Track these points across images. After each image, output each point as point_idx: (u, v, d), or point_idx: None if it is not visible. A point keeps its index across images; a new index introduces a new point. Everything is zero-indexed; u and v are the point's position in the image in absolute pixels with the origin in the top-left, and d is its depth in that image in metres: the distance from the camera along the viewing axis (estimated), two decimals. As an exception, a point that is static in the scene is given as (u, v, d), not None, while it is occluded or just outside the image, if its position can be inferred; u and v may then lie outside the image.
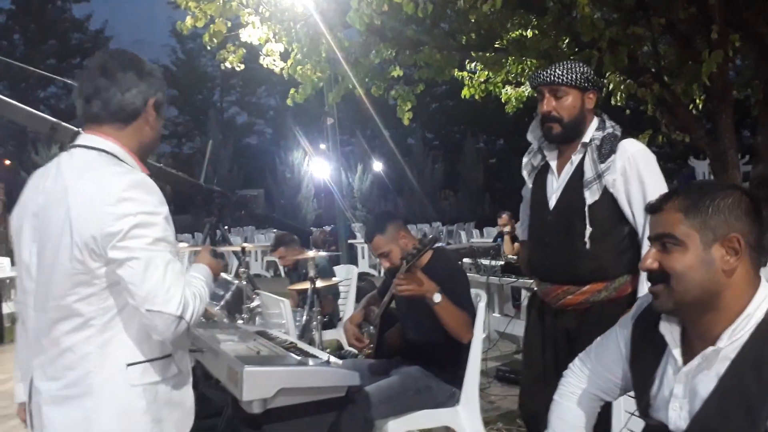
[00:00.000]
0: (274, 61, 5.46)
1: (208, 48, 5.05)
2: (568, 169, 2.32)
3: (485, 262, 5.30)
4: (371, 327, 2.93)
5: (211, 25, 4.80)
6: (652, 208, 1.36)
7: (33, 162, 21.30)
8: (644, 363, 1.41)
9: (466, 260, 5.44)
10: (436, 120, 32.63)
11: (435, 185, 27.63)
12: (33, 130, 6.67)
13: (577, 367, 1.63)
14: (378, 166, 24.37)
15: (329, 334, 4.49)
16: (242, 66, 5.33)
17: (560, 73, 2.28)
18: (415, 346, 2.78)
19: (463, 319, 2.59)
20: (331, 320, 4.59)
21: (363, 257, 12.33)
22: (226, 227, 8.30)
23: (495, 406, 4.29)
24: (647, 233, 1.40)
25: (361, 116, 24.59)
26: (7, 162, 28.02)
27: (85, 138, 1.60)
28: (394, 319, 2.93)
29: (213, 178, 15.48)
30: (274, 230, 14.83)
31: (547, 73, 2.31)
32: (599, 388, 1.56)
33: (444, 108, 33.32)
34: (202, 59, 37.52)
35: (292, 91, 5.50)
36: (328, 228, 12.74)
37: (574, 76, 2.26)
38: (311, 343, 3.88)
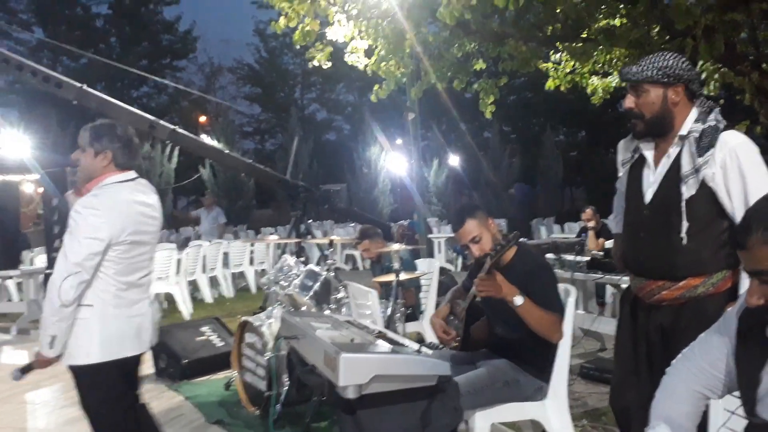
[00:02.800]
0: (359, 58, 5.56)
1: (298, 47, 5.20)
2: (665, 163, 2.26)
3: (570, 257, 5.22)
4: (457, 321, 2.96)
5: (301, 25, 4.95)
6: (736, 245, 1.30)
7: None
8: (750, 360, 1.37)
9: (549, 255, 5.38)
10: (514, 113, 32.04)
11: (512, 179, 27.16)
12: (134, 128, 7.10)
13: (680, 362, 1.61)
14: (454, 160, 24.22)
15: (411, 327, 4.55)
16: (329, 64, 5.46)
17: (637, 70, 2.24)
18: (502, 339, 2.80)
19: (549, 320, 2.59)
20: (413, 312, 4.65)
21: (440, 251, 12.33)
22: (309, 221, 8.57)
23: (580, 402, 4.23)
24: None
25: (438, 111, 24.51)
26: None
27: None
28: (480, 312, 2.95)
29: (296, 174, 15.91)
30: (353, 224, 15.10)
31: (626, 70, 2.28)
32: (703, 385, 1.53)
33: (522, 100, 32.69)
34: (284, 57, 38.48)
35: (375, 87, 5.59)
36: (405, 222, 12.82)
37: (651, 71, 2.21)
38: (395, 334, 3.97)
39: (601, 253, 5.89)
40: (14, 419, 4.44)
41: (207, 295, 9.49)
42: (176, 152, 21.75)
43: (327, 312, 4.13)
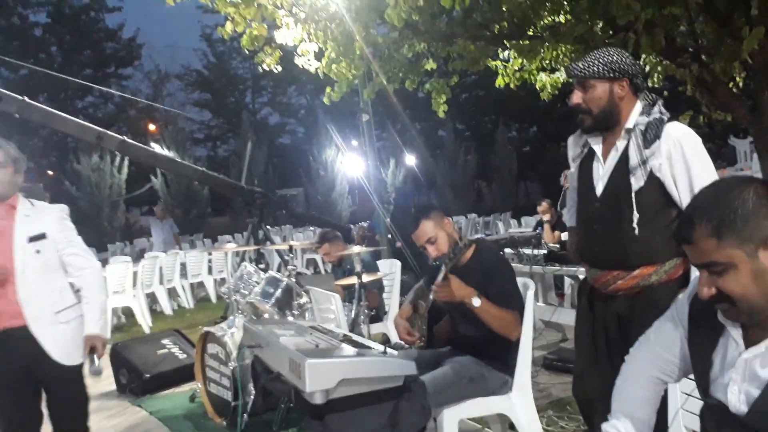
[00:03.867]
0: (309, 60, 5.54)
1: (247, 51, 5.15)
2: (614, 156, 2.33)
3: (527, 251, 5.31)
4: (420, 320, 2.99)
5: (249, 29, 4.90)
6: (681, 240, 1.30)
7: (75, 171, 21.92)
8: (702, 343, 1.42)
9: (507, 250, 5.47)
10: (467, 110, 32.45)
11: (468, 176, 27.50)
12: (80, 139, 6.95)
13: (637, 349, 1.66)
14: (410, 160, 24.36)
15: (376, 328, 4.56)
16: (279, 68, 5.42)
17: (583, 66, 2.30)
18: (466, 337, 2.83)
19: (507, 318, 2.62)
20: (377, 314, 4.66)
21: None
22: (267, 227, 8.48)
23: (544, 394, 4.31)
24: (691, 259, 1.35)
25: (392, 111, 24.61)
26: (50, 172, 28.90)
27: None
28: (443, 311, 2.98)
29: (251, 180, 15.75)
30: (312, 228, 15.04)
31: (572, 66, 2.34)
32: (660, 370, 1.58)
33: (474, 98, 33.14)
34: (232, 62, 38.01)
35: (328, 90, 5.58)
36: (365, 224, 12.83)
37: (597, 67, 2.27)
38: (360, 336, 3.97)
39: (558, 245, 6.01)
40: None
41: (166, 306, 9.30)
42: (126, 162, 21.24)
43: (290, 318, 4.11)
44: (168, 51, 46.99)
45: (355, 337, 2.61)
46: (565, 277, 5.81)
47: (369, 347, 2.38)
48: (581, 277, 2.76)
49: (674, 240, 1.36)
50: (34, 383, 2.67)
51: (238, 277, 4.39)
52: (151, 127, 29.20)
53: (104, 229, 21.03)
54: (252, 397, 3.69)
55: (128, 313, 8.58)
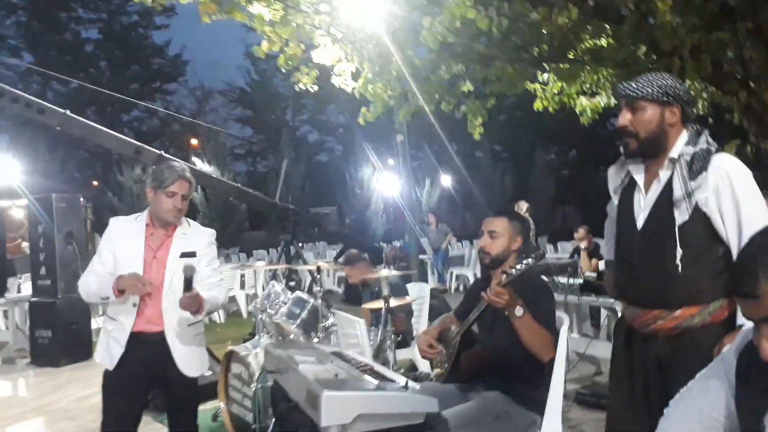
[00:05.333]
0: (346, 80, 5.52)
1: (283, 71, 5.16)
2: (656, 187, 2.20)
3: (563, 280, 5.14)
4: (447, 348, 2.88)
5: (286, 49, 4.90)
6: (745, 295, 1.20)
7: (117, 182, 22.42)
8: (753, 403, 1.29)
9: (543, 278, 5.30)
10: (505, 132, 32.17)
11: (504, 198, 27.22)
12: (119, 153, 7.08)
13: (678, 404, 1.52)
14: (446, 180, 24.23)
15: (403, 354, 4.45)
16: (316, 87, 5.41)
17: (636, 86, 2.19)
18: (495, 368, 2.70)
19: (545, 337, 2.52)
20: (404, 339, 4.55)
21: (433, 273, 12.24)
22: (300, 244, 8.47)
23: (576, 430, 4.13)
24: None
25: (429, 131, 24.56)
26: (95, 183, 29.65)
27: None
28: (472, 342, 2.87)
29: (287, 196, 15.84)
30: (342, 247, 14.99)
31: (624, 85, 2.22)
32: (704, 427, 1.44)
33: (513, 120, 32.87)
34: (274, 80, 38.61)
35: (363, 110, 5.54)
36: (397, 243, 12.72)
37: (652, 89, 2.16)
38: (385, 362, 3.87)
39: (595, 274, 5.82)
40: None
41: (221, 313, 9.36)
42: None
43: (315, 341, 4.03)
44: (212, 68, 48.01)
45: (377, 368, 2.50)
46: (602, 309, 5.61)
47: (391, 380, 2.28)
48: (618, 308, 2.64)
49: (737, 295, 1.24)
50: (149, 387, 2.98)
51: (265, 296, 4.35)
52: (193, 141, 29.76)
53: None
54: (271, 422, 3.61)
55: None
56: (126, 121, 36.46)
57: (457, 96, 5.69)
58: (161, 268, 2.84)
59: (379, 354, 3.90)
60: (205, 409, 4.78)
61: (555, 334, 2.62)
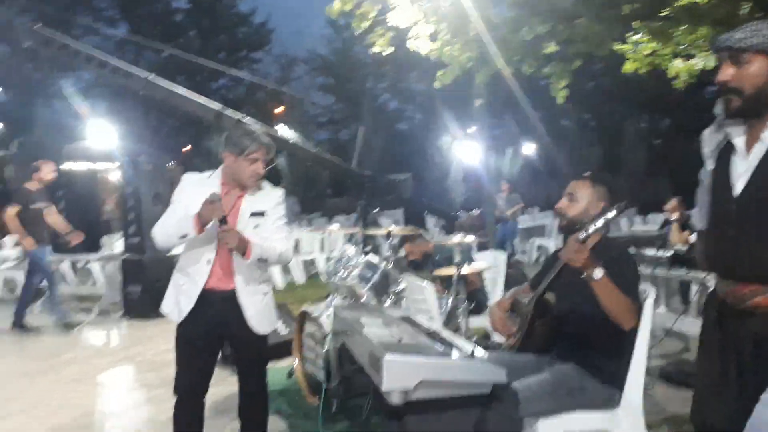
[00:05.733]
0: (422, 43, 5.36)
1: (356, 33, 5.07)
2: (759, 149, 1.97)
3: (650, 252, 4.85)
4: (520, 318, 2.76)
5: (359, 11, 4.81)
6: None
7: (207, 148, 23.21)
8: None
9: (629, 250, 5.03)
10: (593, 99, 30.76)
11: (591, 169, 26.19)
12: (192, 115, 7.27)
13: None
14: (529, 149, 23.52)
15: (476, 321, 4.35)
16: (391, 49, 5.30)
17: (740, 37, 1.93)
18: (571, 340, 2.56)
19: (626, 303, 2.34)
20: (478, 306, 4.44)
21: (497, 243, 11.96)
22: (376, 210, 8.47)
23: (659, 408, 3.93)
24: None
25: (513, 98, 23.88)
26: (186, 148, 30.87)
27: None
28: (545, 312, 2.73)
29: (365, 164, 15.88)
30: (424, 213, 14.92)
31: (726, 36, 1.98)
32: None
33: (602, 86, 31.34)
34: (356, 48, 38.53)
35: (439, 73, 5.39)
36: (476, 211, 12.49)
37: (759, 39, 1.91)
38: (457, 330, 3.79)
39: (686, 247, 5.47)
40: (85, 400, 4.57)
41: (278, 281, 9.62)
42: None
43: (387, 305, 4.00)
44: (295, 37, 48.52)
45: (445, 334, 2.43)
46: (692, 283, 5.28)
47: (458, 347, 2.20)
48: (710, 283, 2.43)
49: None
50: (220, 342, 3.01)
51: (338, 259, 4.35)
52: (278, 109, 30.30)
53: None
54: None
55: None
56: (214, 89, 37.47)
57: (539, 57, 5.42)
58: (233, 227, 2.86)
59: (450, 321, 3.83)
60: (281, 366, 4.92)
61: (638, 305, 2.44)
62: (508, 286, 5.03)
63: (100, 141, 11.57)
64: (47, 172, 6.90)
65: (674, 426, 3.50)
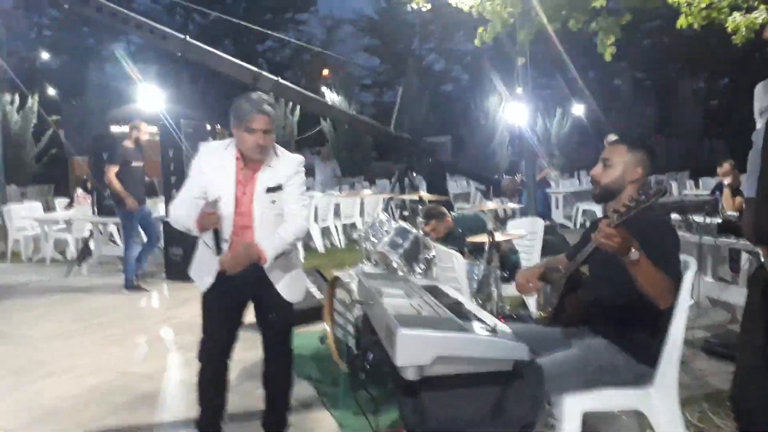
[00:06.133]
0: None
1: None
2: (817, 109, 1.77)
3: (699, 218, 4.60)
4: (552, 290, 2.63)
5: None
6: None
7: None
8: None
9: (675, 216, 4.78)
10: (648, 58, 29.46)
11: (645, 130, 25.20)
12: (238, 79, 7.25)
13: None
14: (579, 110, 22.73)
15: (511, 289, 4.22)
16: (428, 6, 5.10)
17: None
18: (604, 314, 2.42)
19: (664, 282, 2.18)
20: (513, 275, 4.30)
21: (557, 207, 11.65)
22: (414, 174, 8.36)
23: (700, 383, 3.76)
24: None
25: (561, 58, 23.09)
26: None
27: None
28: (579, 286, 2.59)
29: (405, 126, 15.63)
30: (463, 177, 14.64)
31: None
32: None
33: (657, 44, 29.95)
34: (401, 8, 37.77)
35: (480, 30, 5.16)
36: (519, 176, 12.20)
37: None
38: (489, 298, 3.69)
39: (738, 213, 5.18)
40: (122, 362, 4.68)
41: (319, 244, 9.66)
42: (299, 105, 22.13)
43: (417, 271, 3.92)
44: (342, -2, 47.90)
45: (469, 306, 2.33)
46: (743, 252, 5.01)
47: (481, 320, 2.10)
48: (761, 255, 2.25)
49: None
50: (244, 305, 2.98)
51: (370, 225, 4.27)
52: (324, 72, 30.13)
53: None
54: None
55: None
56: (260, 51, 37.55)
57: (587, 12, 5.12)
58: (250, 203, 2.82)
59: (482, 289, 3.73)
60: (314, 330, 4.92)
61: (677, 278, 2.28)
62: (546, 253, 4.88)
63: (148, 104, 11.73)
64: (144, 131, 6.87)
65: (714, 403, 3.33)
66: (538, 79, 28.06)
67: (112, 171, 6.76)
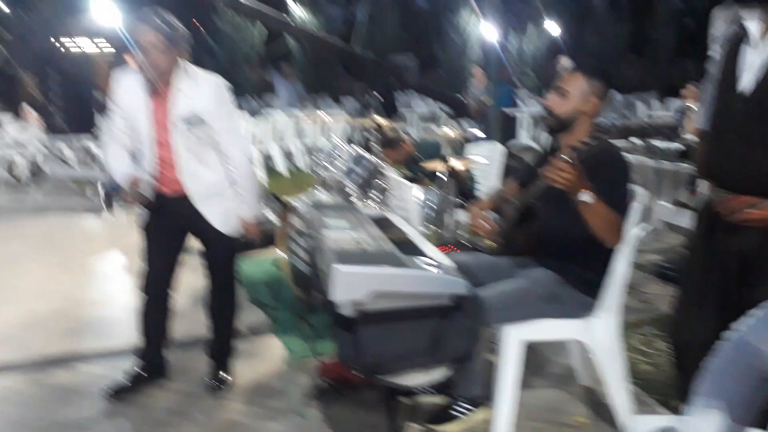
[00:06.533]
0: None
1: None
2: (774, 41, 1.69)
3: (659, 144, 4.57)
4: (503, 221, 2.59)
5: None
6: None
7: (216, 26, 22.21)
8: None
9: (636, 140, 4.74)
10: (625, -27, 28.72)
11: (618, 49, 24.86)
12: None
13: (750, 327, 1.18)
14: (551, 26, 22.20)
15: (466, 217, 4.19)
16: None
17: None
18: (553, 247, 2.39)
19: (614, 222, 2.17)
20: (469, 201, 4.26)
21: (523, 128, 11.49)
22: (376, 94, 8.13)
23: (648, 306, 3.84)
24: None
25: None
26: (195, 21, 29.78)
27: None
28: (528, 218, 2.54)
29: (374, 44, 15.10)
30: (431, 99, 14.31)
31: None
32: None
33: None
34: None
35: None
36: (485, 96, 11.96)
37: None
38: (444, 226, 3.65)
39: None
40: (66, 287, 4.57)
41: (281, 166, 9.47)
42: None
43: (375, 199, 3.85)
44: None
45: (415, 239, 2.27)
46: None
47: (423, 254, 2.04)
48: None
49: None
50: (184, 234, 2.86)
51: (326, 151, 4.14)
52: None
53: (239, 84, 21.53)
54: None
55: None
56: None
57: None
58: (165, 133, 2.61)
59: (438, 216, 3.68)
60: (269, 256, 4.87)
61: (625, 210, 2.25)
62: (507, 177, 4.83)
63: (104, 18, 11.07)
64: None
65: (660, 327, 3.40)
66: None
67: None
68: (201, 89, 2.60)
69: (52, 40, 13.05)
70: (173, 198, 2.72)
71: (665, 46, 24.62)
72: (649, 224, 4.79)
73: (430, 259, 1.97)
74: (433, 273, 1.84)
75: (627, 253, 2.23)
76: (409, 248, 2.12)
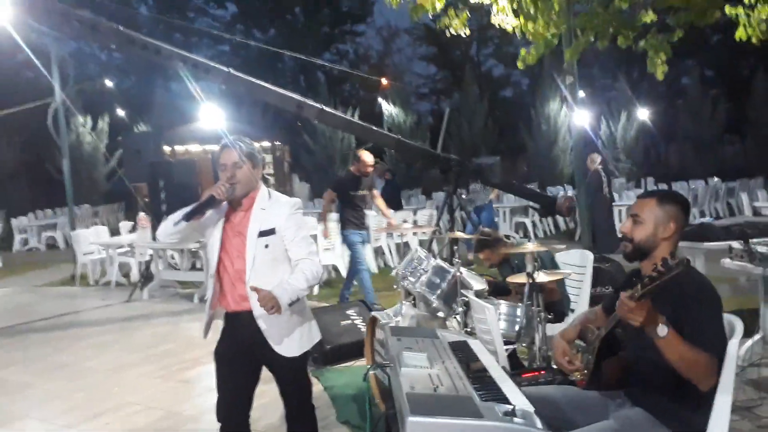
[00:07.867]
0: (506, 18, 4.99)
1: (431, 16, 4.79)
2: None
3: (763, 249, 4.24)
4: (587, 351, 2.46)
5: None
6: None
7: (312, 126, 23.57)
8: None
9: (735, 245, 4.43)
10: (718, 54, 28.04)
11: (715, 131, 23.93)
12: (282, 108, 7.31)
13: None
14: (643, 113, 21.81)
15: (556, 329, 4.02)
16: (468, 31, 4.97)
17: None
18: (643, 382, 2.24)
19: (701, 362, 2.00)
20: (557, 316, 4.08)
21: (620, 221, 11.13)
22: (463, 195, 8.19)
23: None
24: None
25: (625, 59, 22.27)
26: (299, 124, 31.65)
27: None
28: (618, 344, 2.42)
29: (462, 135, 15.31)
30: (518, 197, 14.21)
31: None
32: None
33: (728, 39, 28.48)
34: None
35: (522, 51, 5.00)
36: (570, 192, 11.73)
37: None
38: (533, 342, 3.52)
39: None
40: (169, 399, 4.74)
41: (372, 265, 9.58)
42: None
43: (457, 315, 3.80)
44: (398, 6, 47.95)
45: (495, 374, 2.19)
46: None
47: (502, 397, 1.97)
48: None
49: None
50: (255, 362, 2.84)
51: (408, 261, 4.17)
52: (383, 82, 30.24)
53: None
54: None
55: (337, 269, 8.98)
56: (318, 64, 38.06)
57: (636, 29, 4.87)
58: (242, 248, 2.73)
59: (527, 333, 3.56)
60: (360, 365, 4.85)
61: (721, 349, 2.07)
62: (600, 283, 4.63)
63: (211, 122, 12.02)
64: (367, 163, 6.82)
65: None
66: (601, 80, 27.24)
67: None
68: (280, 208, 2.77)
69: (164, 147, 14.27)
70: (238, 316, 2.75)
71: (766, 127, 23.46)
72: (760, 333, 4.41)
73: (508, 404, 1.90)
74: (509, 426, 1.76)
75: (727, 396, 2.04)
76: (487, 385, 2.06)
